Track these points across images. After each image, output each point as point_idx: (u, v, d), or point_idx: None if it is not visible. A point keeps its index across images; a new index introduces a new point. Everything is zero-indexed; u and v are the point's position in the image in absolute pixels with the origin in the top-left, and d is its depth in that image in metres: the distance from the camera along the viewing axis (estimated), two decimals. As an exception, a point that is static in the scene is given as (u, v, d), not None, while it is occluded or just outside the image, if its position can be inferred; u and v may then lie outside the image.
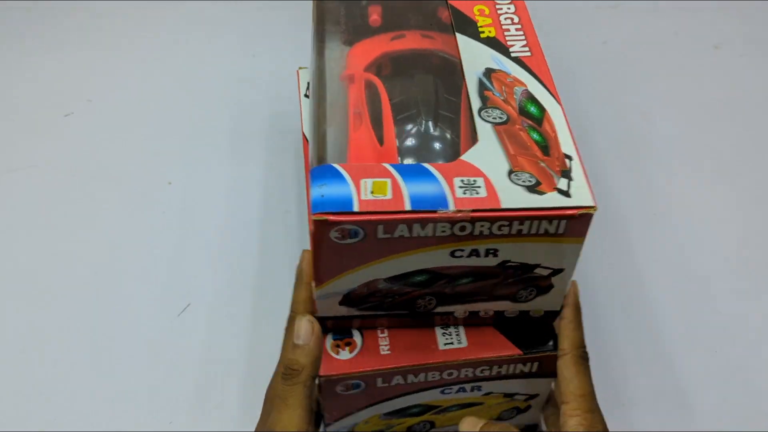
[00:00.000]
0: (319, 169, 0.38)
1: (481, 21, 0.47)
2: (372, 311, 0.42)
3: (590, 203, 0.36)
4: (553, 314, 0.43)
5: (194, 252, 0.66)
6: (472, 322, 0.44)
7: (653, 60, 0.90)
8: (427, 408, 0.48)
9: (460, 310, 0.43)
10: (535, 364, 0.45)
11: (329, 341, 0.44)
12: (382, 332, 0.45)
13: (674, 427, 0.57)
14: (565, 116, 0.41)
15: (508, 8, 0.48)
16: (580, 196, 0.36)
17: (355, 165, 0.38)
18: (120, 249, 0.67)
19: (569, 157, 0.38)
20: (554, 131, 0.40)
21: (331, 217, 0.35)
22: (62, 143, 0.78)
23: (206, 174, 0.77)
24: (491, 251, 0.38)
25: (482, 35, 0.46)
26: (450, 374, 0.45)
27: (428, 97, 0.46)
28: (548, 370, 0.45)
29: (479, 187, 0.36)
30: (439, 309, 0.43)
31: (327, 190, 0.36)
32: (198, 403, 0.57)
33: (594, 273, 0.66)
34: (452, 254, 0.38)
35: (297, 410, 0.38)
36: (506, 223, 0.36)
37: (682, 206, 0.72)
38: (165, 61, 0.88)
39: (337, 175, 0.37)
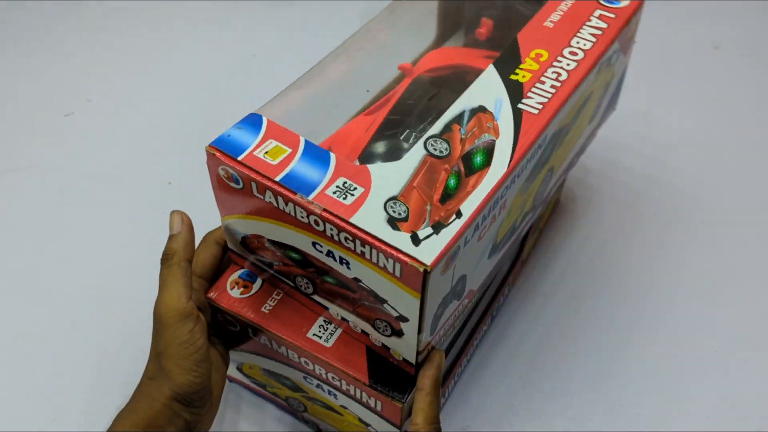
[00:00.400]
0: (252, 116, 0.42)
1: (526, 64, 0.46)
2: (268, 268, 0.46)
3: (427, 261, 0.35)
4: (411, 366, 0.42)
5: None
6: (348, 330, 0.45)
7: (653, 60, 0.90)
8: (296, 387, 0.51)
9: (333, 309, 0.44)
10: (378, 403, 0.45)
11: (233, 276, 0.48)
12: (278, 294, 0.47)
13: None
14: (501, 180, 0.40)
15: (568, 65, 0.47)
16: (427, 251, 0.36)
17: (280, 127, 0.41)
18: (120, 249, 0.68)
19: (459, 215, 0.38)
20: (474, 187, 0.39)
21: (217, 154, 0.40)
22: (62, 143, 0.78)
23: (206, 174, 0.77)
24: (344, 261, 0.39)
25: (512, 77, 0.45)
26: (306, 363, 0.46)
27: (430, 112, 0.48)
28: (391, 419, 0.46)
29: (352, 195, 0.38)
30: (316, 297, 0.45)
31: (236, 133, 0.41)
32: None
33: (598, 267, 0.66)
34: (314, 245, 0.40)
35: (175, 287, 0.43)
36: (350, 237, 0.37)
37: (683, 206, 0.72)
38: (165, 61, 0.88)
39: (256, 127, 0.41)
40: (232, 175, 0.40)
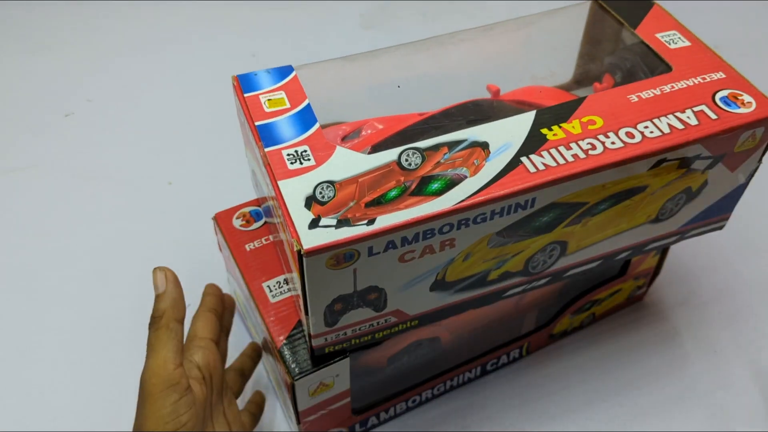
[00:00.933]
0: (287, 67, 0.47)
1: (570, 124, 0.44)
2: None
3: (304, 245, 0.37)
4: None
5: (194, 252, 0.66)
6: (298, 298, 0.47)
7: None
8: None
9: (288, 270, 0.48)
10: (281, 371, 0.48)
11: (245, 209, 0.56)
12: (267, 239, 0.53)
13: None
14: (438, 213, 0.39)
15: (613, 143, 0.43)
16: (313, 237, 0.37)
17: (298, 85, 0.46)
18: (120, 249, 0.68)
19: (370, 223, 0.38)
20: (407, 207, 0.39)
21: (236, 84, 0.46)
22: (62, 143, 0.78)
23: (206, 174, 0.77)
24: (279, 219, 0.43)
25: (543, 130, 0.43)
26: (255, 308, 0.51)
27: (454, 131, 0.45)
28: (287, 390, 0.48)
29: (300, 163, 0.41)
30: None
31: (262, 75, 0.47)
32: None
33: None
34: (269, 193, 0.43)
35: (161, 352, 0.40)
36: (275, 198, 0.41)
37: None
38: (165, 61, 0.88)
39: (281, 77, 0.46)
40: (239, 108, 0.46)
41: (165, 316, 0.41)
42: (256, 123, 0.43)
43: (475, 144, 0.42)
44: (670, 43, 0.50)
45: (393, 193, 0.40)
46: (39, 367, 0.60)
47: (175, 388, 0.40)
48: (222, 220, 0.55)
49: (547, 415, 0.57)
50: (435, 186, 0.40)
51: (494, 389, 0.59)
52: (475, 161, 0.41)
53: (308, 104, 0.45)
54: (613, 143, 0.43)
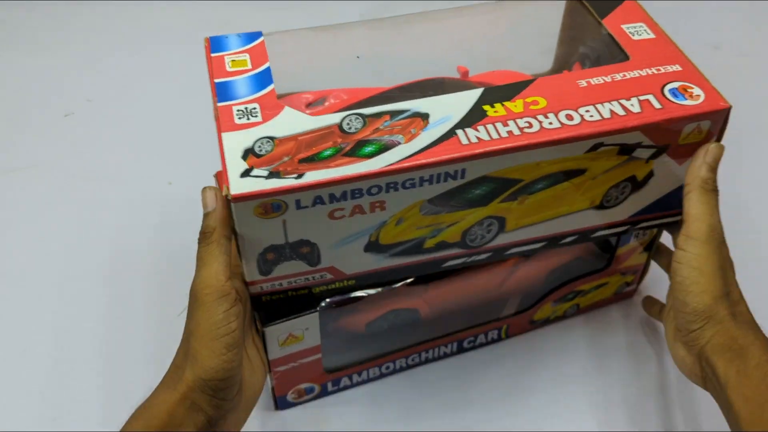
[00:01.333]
0: (255, 33, 0.50)
1: (514, 103, 0.45)
2: None
3: (232, 191, 0.40)
4: None
5: (195, 252, 0.66)
6: None
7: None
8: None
9: None
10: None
11: None
12: None
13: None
14: (364, 174, 0.41)
15: (551, 123, 0.44)
16: (241, 185, 0.40)
17: (263, 49, 0.49)
18: (120, 248, 0.68)
19: (299, 177, 0.41)
20: (337, 166, 0.42)
21: (206, 45, 0.50)
22: (62, 143, 0.78)
23: (206, 174, 0.77)
24: None
25: (485, 106, 0.45)
26: None
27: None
28: None
29: (247, 119, 0.44)
30: None
31: (232, 38, 0.50)
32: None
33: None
34: None
35: (213, 265, 0.42)
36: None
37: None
38: (165, 61, 0.88)
39: (249, 41, 0.50)
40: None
41: (216, 231, 0.43)
42: (216, 80, 0.47)
43: (417, 114, 0.44)
44: (633, 35, 0.51)
45: (327, 153, 0.42)
46: (40, 366, 0.60)
47: (226, 299, 0.42)
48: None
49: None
50: (368, 149, 0.43)
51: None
52: (412, 130, 0.44)
53: (268, 67, 0.48)
54: (550, 123, 0.44)
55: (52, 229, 0.70)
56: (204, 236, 0.43)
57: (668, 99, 0.45)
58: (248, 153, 0.42)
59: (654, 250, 0.59)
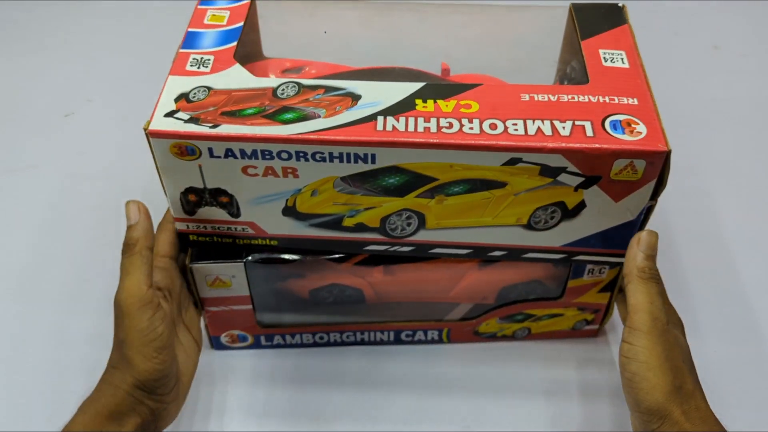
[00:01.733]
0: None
1: (447, 102, 0.45)
2: None
3: (150, 126, 0.44)
4: None
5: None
6: None
7: (653, 60, 0.90)
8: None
9: None
10: None
11: None
12: None
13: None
14: (276, 137, 0.44)
15: (471, 128, 0.44)
16: (161, 123, 0.44)
17: (244, 9, 0.52)
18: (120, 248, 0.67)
19: (214, 127, 0.44)
20: (253, 125, 0.44)
21: None
22: (62, 143, 0.78)
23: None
24: None
25: (417, 100, 0.45)
26: None
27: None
28: None
29: (197, 68, 0.48)
30: None
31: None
32: (196, 402, 0.58)
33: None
34: None
35: (136, 275, 0.45)
36: None
37: (681, 205, 0.72)
38: (165, 61, 0.88)
39: (236, 1, 0.53)
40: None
41: (138, 243, 0.46)
42: (189, 29, 0.51)
43: (349, 94, 0.46)
44: (606, 60, 0.49)
45: (250, 111, 0.45)
46: (39, 367, 0.60)
47: (149, 306, 0.45)
48: None
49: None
50: (288, 116, 0.45)
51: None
52: (337, 107, 0.45)
53: (241, 26, 0.51)
54: (471, 128, 0.44)
55: (52, 229, 0.70)
56: (127, 247, 0.46)
57: (605, 129, 0.44)
58: (182, 97, 0.46)
59: (616, 295, 0.57)
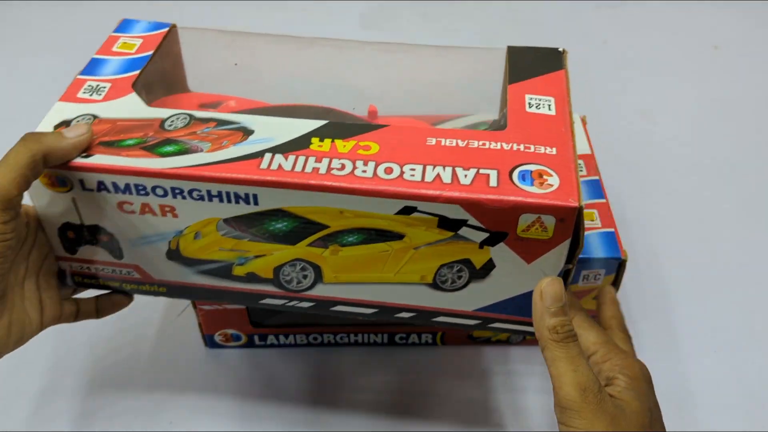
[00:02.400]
0: (166, 24, 0.52)
1: (346, 142, 0.42)
2: None
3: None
4: None
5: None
6: None
7: (653, 60, 0.90)
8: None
9: None
10: None
11: None
12: None
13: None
14: (144, 170, 0.41)
15: (364, 171, 0.40)
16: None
17: (158, 39, 0.50)
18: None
19: (86, 157, 0.41)
20: (128, 156, 0.41)
21: (117, 25, 0.52)
22: (62, 143, 0.78)
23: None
24: None
25: (314, 138, 0.42)
26: None
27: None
28: None
29: (89, 95, 0.46)
30: None
31: (142, 22, 0.52)
32: (189, 401, 0.59)
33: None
34: None
35: (13, 168, 0.39)
36: None
37: (681, 205, 0.73)
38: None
39: (155, 29, 0.52)
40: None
41: (48, 138, 0.41)
42: (94, 56, 0.49)
43: (241, 129, 0.43)
44: (531, 106, 0.45)
45: (129, 142, 0.42)
46: (38, 367, 0.60)
47: (8, 212, 0.39)
48: None
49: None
50: (168, 148, 0.42)
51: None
52: (224, 142, 0.42)
53: (149, 55, 0.49)
54: (364, 171, 0.40)
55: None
56: (27, 135, 0.41)
57: (511, 180, 0.40)
58: (62, 124, 0.44)
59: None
